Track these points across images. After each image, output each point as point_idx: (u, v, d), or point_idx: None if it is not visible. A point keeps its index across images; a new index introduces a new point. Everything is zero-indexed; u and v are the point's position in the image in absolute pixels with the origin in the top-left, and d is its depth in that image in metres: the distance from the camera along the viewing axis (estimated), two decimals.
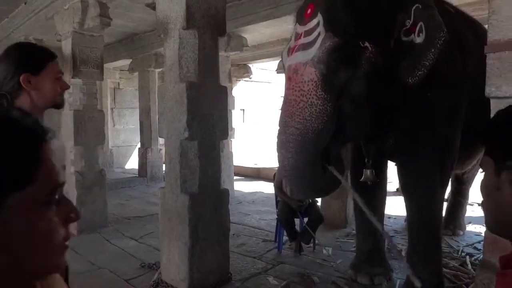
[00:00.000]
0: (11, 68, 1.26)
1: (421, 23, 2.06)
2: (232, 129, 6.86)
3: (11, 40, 6.63)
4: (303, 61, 2.04)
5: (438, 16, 2.12)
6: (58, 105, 1.38)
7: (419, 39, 2.07)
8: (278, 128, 2.18)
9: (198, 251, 2.82)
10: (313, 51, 2.01)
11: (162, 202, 3.00)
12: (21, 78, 1.25)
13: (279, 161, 2.22)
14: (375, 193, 2.92)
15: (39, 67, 1.30)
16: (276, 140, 2.20)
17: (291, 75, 2.10)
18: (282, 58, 2.34)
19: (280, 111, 2.20)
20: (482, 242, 3.78)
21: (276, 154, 2.22)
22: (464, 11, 2.89)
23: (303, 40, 2.08)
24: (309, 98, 2.02)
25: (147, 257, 3.62)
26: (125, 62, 8.52)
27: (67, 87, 1.41)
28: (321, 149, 2.16)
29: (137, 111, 8.88)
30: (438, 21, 2.10)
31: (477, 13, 4.99)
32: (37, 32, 6.08)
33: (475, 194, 4.73)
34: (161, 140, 6.60)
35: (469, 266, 3.12)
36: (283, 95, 2.19)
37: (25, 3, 5.65)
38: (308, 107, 2.03)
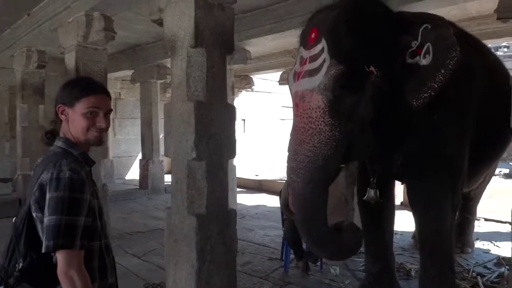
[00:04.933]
0: (55, 99, 1.36)
1: (428, 44, 2.01)
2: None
3: (13, 50, 6.59)
4: (310, 88, 2.03)
5: (451, 36, 2.06)
6: (91, 143, 1.35)
7: (424, 61, 2.02)
8: (288, 153, 2.16)
9: (205, 274, 2.74)
10: (319, 78, 1.99)
11: (168, 223, 2.93)
12: (56, 107, 1.33)
13: (289, 185, 2.19)
14: (382, 212, 2.88)
15: (73, 99, 1.31)
16: (286, 165, 2.17)
17: (298, 101, 2.10)
18: (288, 81, 2.31)
19: (289, 137, 2.17)
20: (492, 261, 3.78)
21: (286, 178, 2.20)
22: (471, 34, 2.85)
23: (308, 66, 2.06)
24: (317, 125, 2.01)
25: (151, 277, 3.55)
26: (127, 72, 8.48)
27: (101, 127, 1.33)
28: (332, 175, 2.14)
29: (138, 121, 8.84)
30: (449, 41, 2.04)
31: (482, 27, 4.99)
32: (39, 44, 6.03)
33: (481, 209, 4.70)
34: (162, 151, 6.53)
35: None
36: (292, 121, 2.17)
37: (28, 15, 5.61)
38: (317, 134, 2.02)
